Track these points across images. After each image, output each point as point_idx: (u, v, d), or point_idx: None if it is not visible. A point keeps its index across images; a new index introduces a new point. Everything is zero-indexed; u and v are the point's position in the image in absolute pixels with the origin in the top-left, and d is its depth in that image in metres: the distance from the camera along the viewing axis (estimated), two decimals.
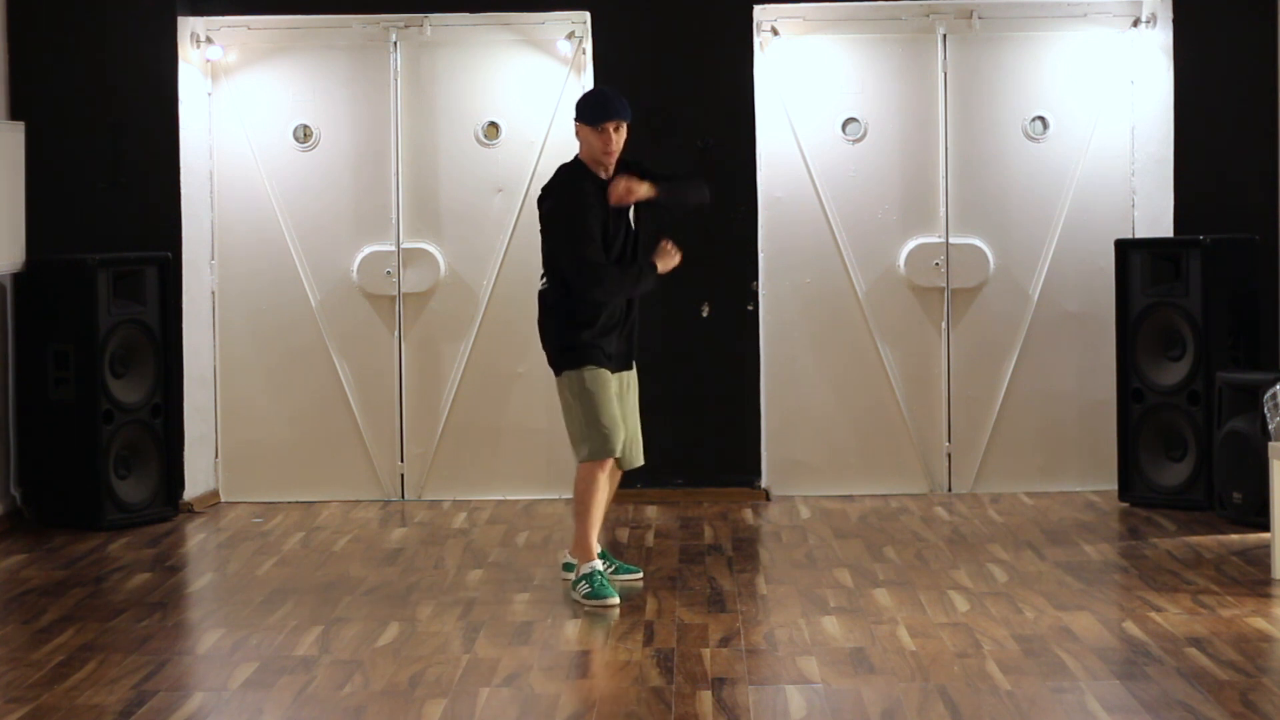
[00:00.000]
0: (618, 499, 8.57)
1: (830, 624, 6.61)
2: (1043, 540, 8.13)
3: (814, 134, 9.46)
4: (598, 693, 5.81)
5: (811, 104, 9.45)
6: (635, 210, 7.17)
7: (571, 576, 7.18)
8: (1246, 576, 7.27)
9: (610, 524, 8.58)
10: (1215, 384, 8.55)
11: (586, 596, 6.96)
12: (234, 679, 5.99)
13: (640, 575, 7.42)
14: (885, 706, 5.54)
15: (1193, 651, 6.10)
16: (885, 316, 9.48)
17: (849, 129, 9.47)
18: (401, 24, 9.45)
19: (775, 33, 9.39)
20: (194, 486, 9.33)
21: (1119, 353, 9.00)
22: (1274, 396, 7.44)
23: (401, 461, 9.56)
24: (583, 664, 6.22)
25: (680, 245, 7.29)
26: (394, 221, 9.50)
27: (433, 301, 9.54)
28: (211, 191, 9.50)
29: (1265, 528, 7.62)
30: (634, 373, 7.32)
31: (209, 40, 9.41)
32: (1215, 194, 9.18)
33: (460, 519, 8.97)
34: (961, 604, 6.89)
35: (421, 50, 9.48)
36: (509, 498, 9.46)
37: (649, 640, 6.40)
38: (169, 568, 7.94)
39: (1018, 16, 9.41)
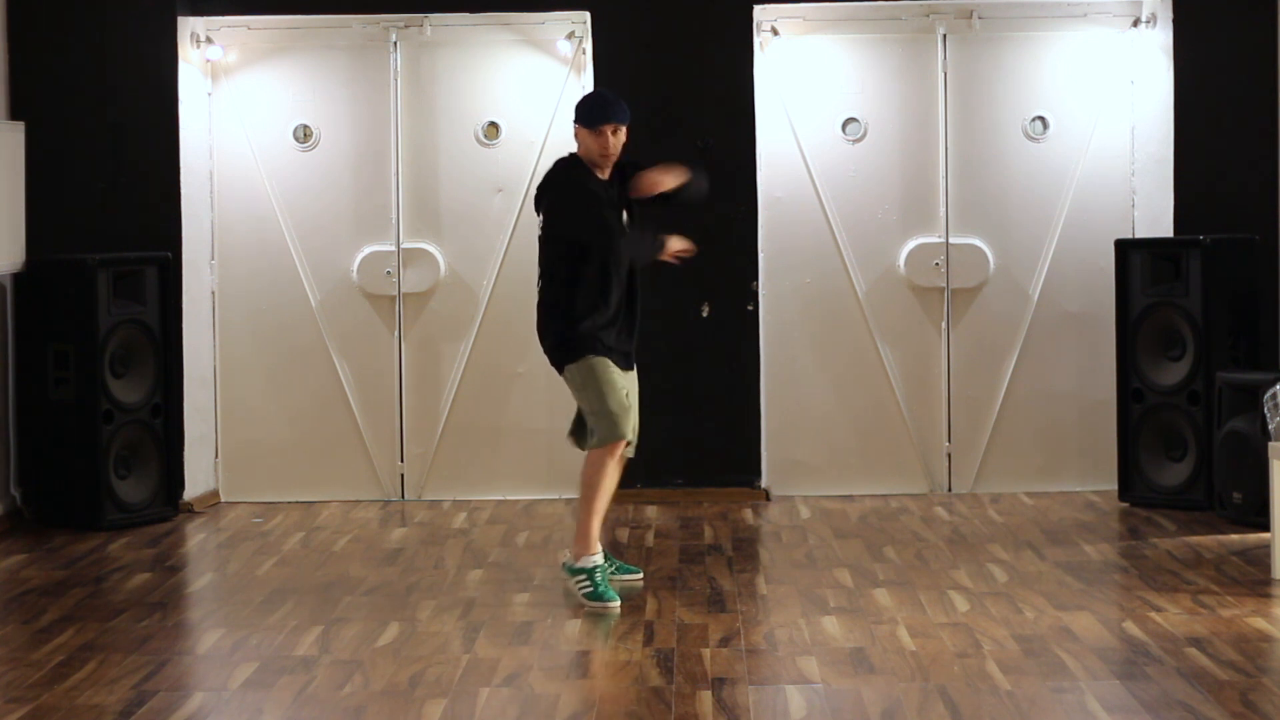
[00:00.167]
0: (618, 499, 8.56)
1: (830, 624, 6.61)
2: (1043, 540, 8.13)
3: (814, 134, 9.47)
4: (598, 693, 5.81)
5: (811, 104, 9.45)
6: (629, 208, 7.16)
7: (568, 580, 7.14)
8: (1246, 576, 7.27)
9: (610, 524, 8.58)
10: (1215, 384, 8.55)
11: (589, 596, 6.95)
12: (234, 679, 5.99)
13: (640, 576, 7.42)
14: (885, 706, 5.54)
15: (1193, 651, 6.10)
16: (885, 316, 9.48)
17: (849, 129, 9.47)
18: (401, 24, 9.46)
19: (775, 33, 9.40)
20: (194, 486, 9.33)
21: (1119, 353, 9.00)
22: (1274, 396, 7.44)
23: (401, 461, 9.57)
24: (583, 664, 6.22)
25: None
26: (394, 221, 9.51)
27: (433, 301, 9.54)
28: (211, 191, 9.50)
29: (1265, 528, 7.62)
30: (634, 374, 7.31)
31: (209, 40, 9.41)
32: (1215, 194, 9.18)
33: (460, 519, 8.97)
34: (961, 604, 6.89)
35: (421, 50, 9.49)
36: (509, 498, 9.46)
37: (649, 640, 6.40)
38: (169, 568, 7.94)
39: (1018, 16, 9.41)
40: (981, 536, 8.28)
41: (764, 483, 9.38)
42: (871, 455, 9.52)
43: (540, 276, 7.15)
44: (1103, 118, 9.42)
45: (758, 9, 9.33)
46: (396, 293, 9.51)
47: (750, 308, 9.34)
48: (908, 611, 6.78)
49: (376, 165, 9.50)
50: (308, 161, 9.53)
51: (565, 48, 9.41)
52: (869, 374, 9.50)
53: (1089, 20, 9.39)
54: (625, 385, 7.14)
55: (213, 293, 9.53)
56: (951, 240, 9.45)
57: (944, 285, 9.46)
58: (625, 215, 7.15)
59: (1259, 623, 6.49)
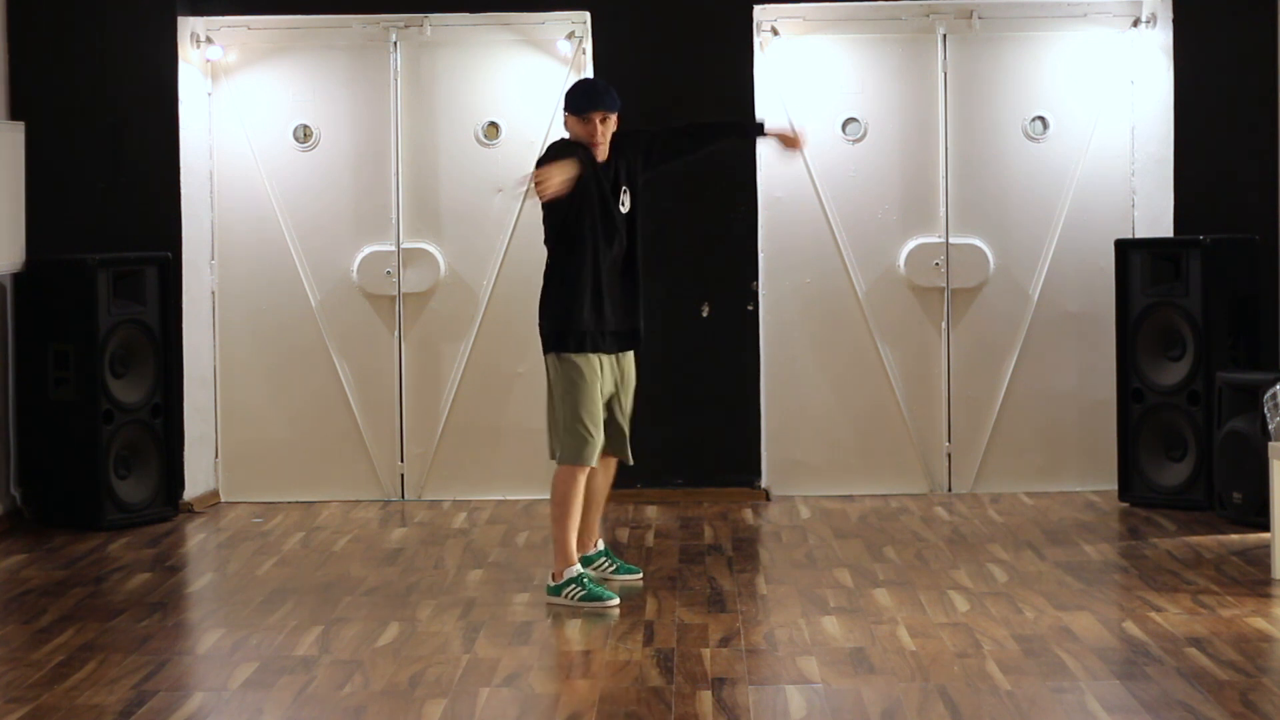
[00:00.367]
0: (617, 499, 8.58)
1: (830, 624, 6.61)
2: (1043, 540, 8.13)
3: (814, 134, 9.44)
4: (598, 693, 5.80)
5: (811, 104, 9.45)
6: (632, 185, 7.11)
7: (556, 600, 7.00)
8: (1246, 576, 7.27)
9: (610, 524, 8.58)
10: (1215, 384, 8.55)
11: (583, 599, 6.93)
12: (234, 679, 5.99)
13: (640, 575, 7.41)
14: (885, 706, 5.54)
15: (1193, 651, 6.10)
16: (885, 316, 9.48)
17: (849, 129, 9.47)
18: (401, 24, 9.45)
19: (775, 33, 9.39)
20: (194, 486, 9.33)
21: (1119, 353, 9.00)
22: (1274, 396, 7.44)
23: (401, 461, 9.56)
24: (583, 664, 6.22)
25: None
26: (394, 221, 9.50)
27: (433, 301, 9.54)
28: (211, 191, 9.50)
29: (1265, 528, 7.61)
30: (632, 358, 7.21)
31: (209, 40, 9.41)
32: (1215, 194, 9.18)
33: (460, 519, 8.97)
34: (961, 604, 6.88)
35: (421, 50, 9.48)
36: (509, 498, 9.46)
37: (649, 640, 6.40)
38: (169, 568, 7.94)
39: (1018, 16, 9.41)
40: (981, 536, 8.28)
41: (764, 483, 9.38)
42: (871, 455, 9.51)
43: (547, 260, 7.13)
44: (1103, 118, 9.41)
45: (758, 9, 9.32)
46: (396, 293, 9.51)
47: (750, 308, 9.34)
48: (908, 611, 6.78)
49: (376, 165, 9.50)
50: (308, 161, 9.53)
51: (565, 48, 9.41)
52: (869, 374, 9.50)
53: (1089, 20, 9.39)
54: (618, 381, 7.11)
55: (213, 293, 9.53)
56: (951, 240, 9.45)
57: (944, 285, 9.46)
58: (629, 193, 7.10)
59: (1259, 623, 6.49)
